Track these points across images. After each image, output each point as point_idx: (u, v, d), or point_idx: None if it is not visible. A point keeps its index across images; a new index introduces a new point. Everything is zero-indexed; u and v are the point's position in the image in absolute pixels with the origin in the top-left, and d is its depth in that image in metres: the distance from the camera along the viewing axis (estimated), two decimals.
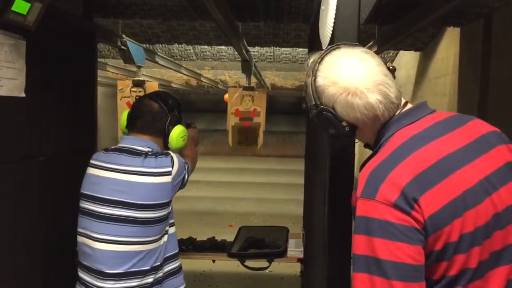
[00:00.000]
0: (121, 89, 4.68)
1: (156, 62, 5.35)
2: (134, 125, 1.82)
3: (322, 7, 1.24)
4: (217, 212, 8.13)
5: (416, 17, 2.82)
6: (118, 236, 1.66)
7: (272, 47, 5.88)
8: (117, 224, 1.66)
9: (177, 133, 1.80)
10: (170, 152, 1.79)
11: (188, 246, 3.17)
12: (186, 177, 1.83)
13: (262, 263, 3.08)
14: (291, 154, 14.57)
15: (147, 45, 5.19)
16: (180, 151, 1.93)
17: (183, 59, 6.32)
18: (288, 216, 7.41)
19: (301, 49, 5.98)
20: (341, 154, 1.26)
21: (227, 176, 11.05)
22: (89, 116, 2.66)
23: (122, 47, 4.01)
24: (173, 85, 10.97)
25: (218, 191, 9.61)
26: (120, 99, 4.64)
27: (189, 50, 6.23)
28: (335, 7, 1.17)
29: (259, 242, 3.18)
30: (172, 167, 1.71)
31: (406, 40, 5.09)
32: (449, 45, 4.51)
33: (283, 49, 5.90)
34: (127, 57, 4.28)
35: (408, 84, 5.89)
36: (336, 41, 1.23)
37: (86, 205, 1.75)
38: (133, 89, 4.65)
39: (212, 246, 3.20)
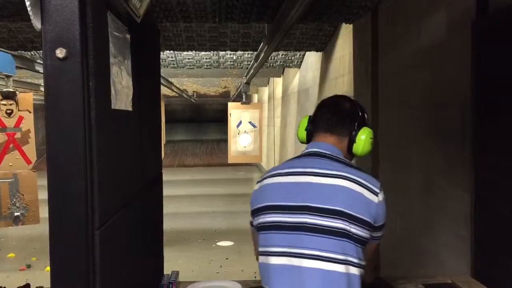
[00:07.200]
0: None
1: (37, 71, 4.79)
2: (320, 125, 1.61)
3: None
4: None
5: (285, 12, 2.53)
6: (329, 252, 1.42)
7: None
8: (327, 237, 1.43)
9: (366, 134, 1.56)
10: None
11: None
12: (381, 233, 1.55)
13: None
14: (218, 163, 14.21)
15: (21, 52, 4.64)
16: None
17: None
18: (200, 231, 7.01)
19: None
20: None
21: None
22: None
23: None
24: None
25: None
26: None
27: None
28: None
29: None
30: (380, 192, 1.47)
31: (305, 40, 4.87)
32: (344, 44, 4.31)
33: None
34: None
35: (314, 85, 5.69)
36: (48, 17, 0.87)
37: (277, 218, 1.49)
38: (2, 102, 4.14)
39: None
